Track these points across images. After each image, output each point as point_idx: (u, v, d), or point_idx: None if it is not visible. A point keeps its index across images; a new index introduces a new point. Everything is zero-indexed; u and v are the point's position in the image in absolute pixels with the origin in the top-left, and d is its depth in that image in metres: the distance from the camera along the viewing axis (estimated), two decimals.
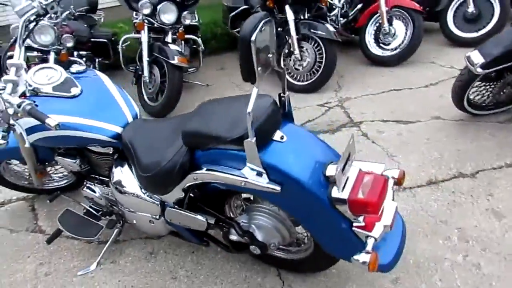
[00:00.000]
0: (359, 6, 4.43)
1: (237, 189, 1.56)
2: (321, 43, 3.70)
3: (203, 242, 1.92)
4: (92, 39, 4.67)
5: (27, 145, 1.95)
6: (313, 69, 3.82)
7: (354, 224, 1.42)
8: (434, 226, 2.09)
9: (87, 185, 2.10)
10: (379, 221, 1.42)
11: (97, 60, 4.23)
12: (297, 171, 1.41)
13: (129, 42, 4.08)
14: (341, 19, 4.56)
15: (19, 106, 1.66)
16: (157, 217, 1.84)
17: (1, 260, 2.24)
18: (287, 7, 3.75)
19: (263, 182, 1.42)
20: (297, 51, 3.77)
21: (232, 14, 4.77)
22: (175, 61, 3.49)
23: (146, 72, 3.66)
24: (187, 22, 3.85)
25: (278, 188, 1.41)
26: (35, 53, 3.73)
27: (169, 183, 1.63)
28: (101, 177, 2.08)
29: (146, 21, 3.69)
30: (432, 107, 3.25)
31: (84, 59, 4.43)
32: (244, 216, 1.75)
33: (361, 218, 1.42)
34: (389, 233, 1.52)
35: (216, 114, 1.57)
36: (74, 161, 1.96)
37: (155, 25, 3.73)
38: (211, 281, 1.94)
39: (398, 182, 1.58)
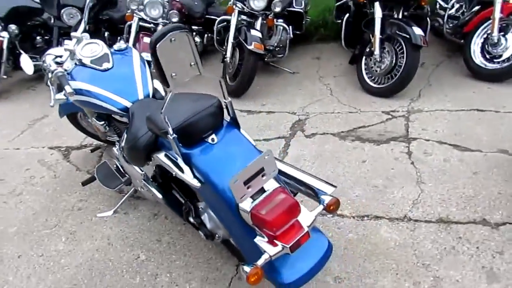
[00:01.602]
0: (476, 8, 3.88)
1: None
2: (404, 46, 3.42)
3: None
4: (207, 16, 5.14)
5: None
6: (392, 73, 3.57)
7: (257, 237, 1.47)
8: (411, 267, 1.92)
9: (116, 146, 2.50)
10: (281, 241, 1.43)
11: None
12: (214, 174, 1.51)
13: (225, 23, 4.38)
14: (452, 21, 4.07)
15: (53, 72, 2.10)
16: (143, 185, 2.13)
17: (59, 188, 2.85)
18: (376, 4, 3.55)
19: (188, 176, 1.56)
20: (377, 52, 3.57)
21: (337, 3, 4.67)
22: (251, 46, 3.67)
23: (228, 53, 3.94)
24: (278, 9, 3.95)
25: (198, 184, 1.54)
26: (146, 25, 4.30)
27: (137, 157, 1.88)
28: None
29: (237, 5, 3.92)
30: (506, 138, 2.78)
31: (194, 33, 4.93)
32: (203, 203, 1.91)
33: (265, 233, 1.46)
34: (306, 254, 1.52)
35: (175, 106, 1.73)
36: (101, 123, 2.36)
37: (245, 10, 3.94)
38: (181, 252, 2.18)
39: (327, 208, 1.55)
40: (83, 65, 2.25)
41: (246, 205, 1.44)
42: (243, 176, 1.37)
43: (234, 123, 1.70)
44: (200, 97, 1.71)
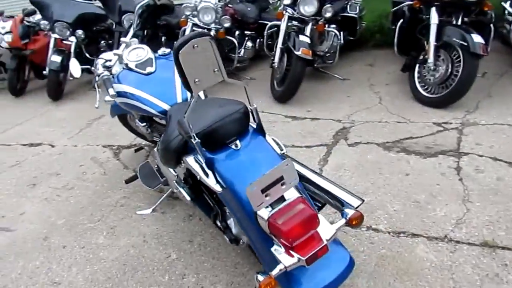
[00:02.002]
0: None
1: None
2: (461, 54, 3.21)
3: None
4: (260, 21, 5.19)
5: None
6: (447, 83, 3.36)
7: (274, 246, 1.44)
8: None
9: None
10: (298, 253, 1.40)
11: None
12: (235, 180, 1.52)
13: (275, 28, 4.39)
14: None
15: (99, 75, 2.23)
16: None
17: (107, 185, 3.02)
18: (432, 10, 3.38)
19: (211, 181, 1.58)
20: (431, 59, 3.38)
21: (393, 9, 4.49)
22: (299, 52, 3.65)
23: (276, 58, 3.94)
24: (328, 15, 3.90)
25: (219, 189, 1.56)
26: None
27: (169, 159, 1.94)
28: None
29: (287, 10, 3.92)
30: None
31: (246, 38, 5.00)
32: None
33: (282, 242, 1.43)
34: (325, 268, 1.48)
35: (202, 111, 1.77)
36: (143, 125, 2.46)
37: (295, 15, 3.92)
38: (210, 255, 2.20)
39: (350, 223, 1.49)
40: (129, 69, 2.36)
41: (264, 213, 1.43)
42: (261, 183, 1.36)
43: (259, 130, 1.69)
44: (227, 103, 1.73)
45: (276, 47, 4.01)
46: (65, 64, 4.84)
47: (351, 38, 4.90)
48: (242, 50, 4.82)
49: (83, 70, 2.54)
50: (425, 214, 2.26)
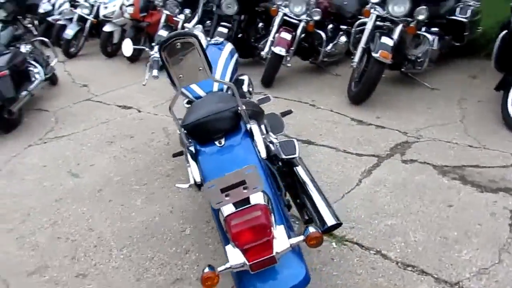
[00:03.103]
0: None
1: None
2: None
3: None
4: (359, 16, 4.98)
5: None
6: None
7: (229, 244, 1.48)
8: None
9: None
10: (245, 256, 1.41)
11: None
12: (207, 174, 1.58)
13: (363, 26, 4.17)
14: None
15: (150, 55, 2.45)
16: None
17: (164, 154, 3.32)
18: None
19: (193, 170, 1.67)
20: None
21: None
22: (377, 54, 3.46)
23: (356, 58, 3.78)
24: (421, 17, 3.58)
25: (196, 180, 1.64)
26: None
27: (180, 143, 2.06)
28: None
29: (375, 9, 3.70)
30: None
31: (341, 32, 4.87)
32: None
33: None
34: (275, 280, 1.48)
35: (202, 103, 1.83)
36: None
37: (383, 15, 3.68)
38: (216, 240, 2.30)
39: (307, 241, 1.45)
40: None
41: (226, 211, 1.47)
42: (220, 183, 1.40)
43: (247, 132, 1.71)
44: (226, 100, 1.77)
45: (358, 46, 3.83)
46: None
47: (457, 44, 4.42)
48: (330, 45, 4.69)
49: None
50: (447, 253, 2.03)
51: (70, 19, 6.95)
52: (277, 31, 4.40)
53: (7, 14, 4.79)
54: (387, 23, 3.75)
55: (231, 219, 1.44)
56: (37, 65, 4.81)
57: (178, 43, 1.44)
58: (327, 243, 2.18)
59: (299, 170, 2.07)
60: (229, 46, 2.61)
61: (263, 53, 4.52)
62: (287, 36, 4.27)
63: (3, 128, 3.94)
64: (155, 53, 2.53)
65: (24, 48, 4.76)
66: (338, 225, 1.69)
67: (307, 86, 4.50)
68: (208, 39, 2.80)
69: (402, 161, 2.88)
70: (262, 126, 2.38)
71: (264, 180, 1.58)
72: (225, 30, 4.89)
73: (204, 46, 2.50)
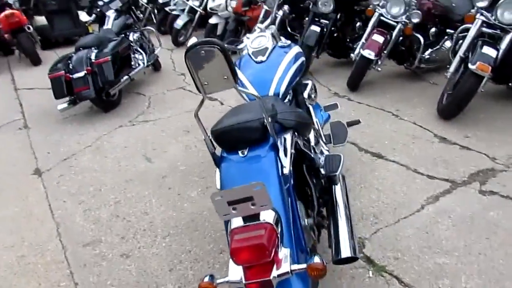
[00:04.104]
0: None
1: None
2: None
3: None
4: None
5: None
6: None
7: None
8: None
9: None
10: (244, 274, 1.38)
11: None
12: (225, 184, 1.57)
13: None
14: None
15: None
16: None
17: None
18: None
19: (216, 176, 1.67)
20: None
21: None
22: (474, 66, 3.06)
23: (452, 68, 3.41)
24: None
25: (218, 187, 1.64)
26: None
27: None
28: None
29: (482, 14, 3.25)
30: None
31: (446, 37, 4.43)
32: None
33: None
34: None
35: (236, 111, 1.81)
36: None
37: (490, 21, 3.22)
38: None
39: (308, 270, 1.35)
40: (248, 54, 2.54)
41: (234, 223, 1.45)
42: (226, 195, 1.37)
43: (273, 146, 1.63)
44: (256, 110, 1.71)
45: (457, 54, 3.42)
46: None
47: None
48: (429, 50, 4.27)
49: None
50: None
51: (183, 10, 7.45)
52: (371, 33, 4.15)
53: (122, 4, 5.31)
54: (495, 31, 3.28)
55: (234, 233, 1.41)
56: (142, 52, 5.27)
57: (202, 51, 1.44)
58: (363, 270, 2.03)
59: (337, 189, 1.96)
60: (295, 50, 2.53)
61: (352, 55, 4.31)
62: (379, 38, 3.99)
63: (102, 108, 4.42)
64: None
65: (132, 36, 5.24)
66: (353, 259, 1.55)
67: (395, 93, 4.18)
68: (282, 39, 2.75)
69: (479, 191, 2.52)
70: (312, 137, 2.28)
71: (279, 198, 1.51)
72: (317, 29, 4.76)
73: (271, 48, 2.49)
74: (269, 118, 1.57)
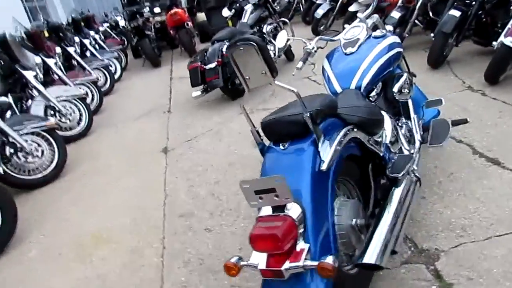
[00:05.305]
0: None
1: None
2: None
3: None
4: None
5: None
6: None
7: None
8: None
9: None
10: (263, 261, 1.44)
11: None
12: (262, 173, 1.63)
13: None
14: None
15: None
16: None
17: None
18: None
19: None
20: None
21: None
22: None
23: None
24: None
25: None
26: None
27: None
28: None
29: None
30: None
31: None
32: None
33: None
34: None
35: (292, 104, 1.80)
36: None
37: None
38: None
39: (318, 268, 1.34)
40: (340, 46, 2.49)
41: (263, 211, 1.53)
42: (252, 185, 1.45)
43: (314, 141, 1.60)
44: (322, 103, 1.68)
45: None
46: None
47: None
48: None
49: None
50: None
51: None
52: None
53: None
54: None
55: (259, 221, 1.48)
56: (274, 43, 5.54)
57: (241, 48, 1.52)
58: (427, 283, 1.84)
59: (396, 192, 1.82)
60: (390, 39, 2.37)
61: (495, 42, 3.72)
62: None
63: (230, 96, 4.84)
64: (309, 44, 2.57)
65: (266, 28, 5.54)
66: (377, 267, 1.45)
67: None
68: (383, 29, 2.59)
69: None
70: (387, 134, 2.12)
71: (308, 193, 1.50)
72: (457, 13, 4.23)
73: (364, 37, 2.39)
74: (308, 114, 1.56)
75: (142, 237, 2.66)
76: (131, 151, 4.10)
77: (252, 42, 1.50)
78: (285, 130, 1.65)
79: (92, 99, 5.76)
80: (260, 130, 1.75)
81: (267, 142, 1.76)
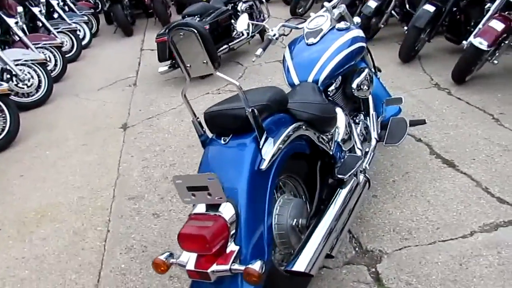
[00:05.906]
0: None
1: None
2: None
3: None
4: None
5: None
6: None
7: None
8: None
9: None
10: (194, 261, 1.38)
11: None
12: (200, 167, 1.55)
13: None
14: None
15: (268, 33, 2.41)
16: None
17: None
18: None
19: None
20: None
21: None
22: None
23: None
24: None
25: None
26: None
27: None
28: None
29: None
30: None
31: None
32: None
33: None
34: None
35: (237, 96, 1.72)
36: None
37: None
38: None
39: (244, 274, 1.29)
40: (303, 35, 2.39)
41: (197, 209, 1.46)
42: (185, 180, 1.37)
43: (256, 138, 1.52)
44: (252, 97, 1.60)
45: None
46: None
47: None
48: None
49: None
50: None
51: None
52: (490, 17, 3.50)
53: None
54: None
55: (190, 218, 1.42)
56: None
57: (181, 33, 1.41)
58: (366, 286, 1.83)
59: (341, 194, 1.78)
60: (353, 33, 2.29)
61: (465, 42, 3.70)
62: (497, 26, 3.34)
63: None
64: (270, 31, 2.47)
65: (241, 6, 5.35)
66: (306, 275, 1.41)
67: (510, 94, 3.47)
68: (350, 21, 2.51)
69: None
70: (340, 132, 2.07)
71: (244, 193, 1.43)
72: (431, 8, 4.18)
73: (327, 28, 2.31)
74: (250, 109, 1.47)
75: (87, 218, 2.56)
76: (90, 125, 3.94)
77: (192, 29, 1.39)
78: (227, 123, 1.57)
79: (55, 66, 5.49)
80: (203, 121, 1.65)
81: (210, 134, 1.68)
